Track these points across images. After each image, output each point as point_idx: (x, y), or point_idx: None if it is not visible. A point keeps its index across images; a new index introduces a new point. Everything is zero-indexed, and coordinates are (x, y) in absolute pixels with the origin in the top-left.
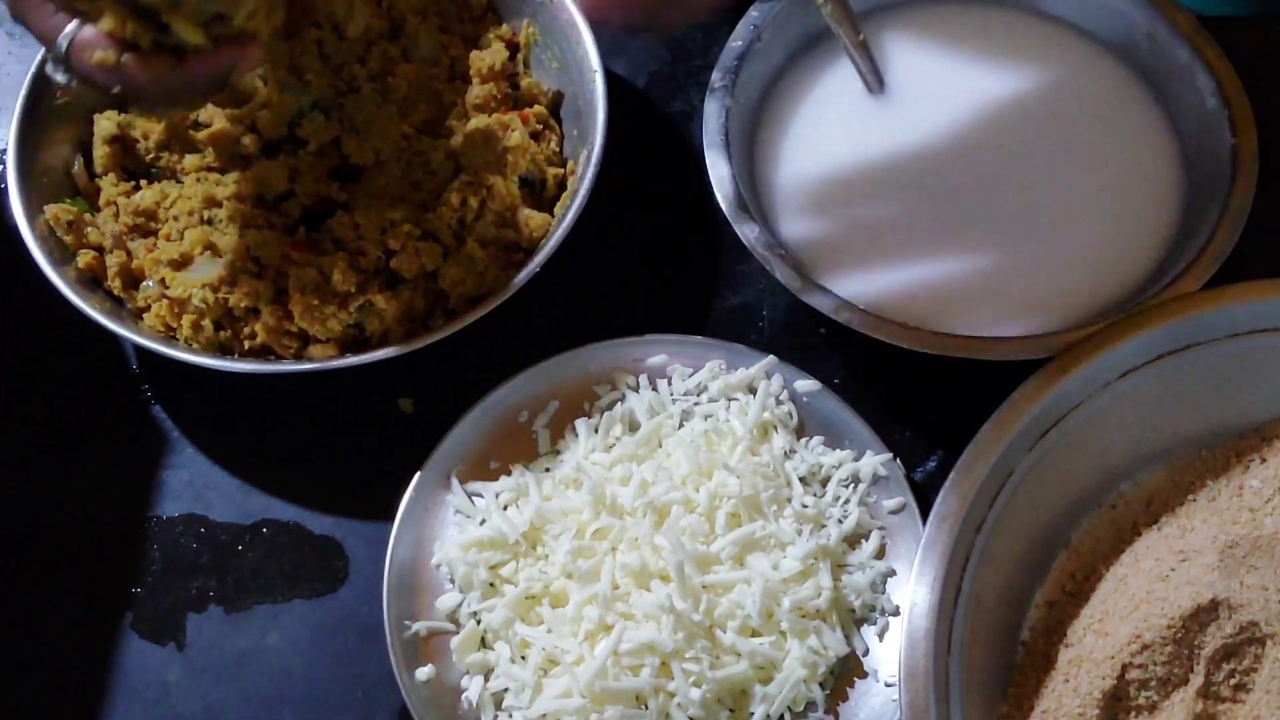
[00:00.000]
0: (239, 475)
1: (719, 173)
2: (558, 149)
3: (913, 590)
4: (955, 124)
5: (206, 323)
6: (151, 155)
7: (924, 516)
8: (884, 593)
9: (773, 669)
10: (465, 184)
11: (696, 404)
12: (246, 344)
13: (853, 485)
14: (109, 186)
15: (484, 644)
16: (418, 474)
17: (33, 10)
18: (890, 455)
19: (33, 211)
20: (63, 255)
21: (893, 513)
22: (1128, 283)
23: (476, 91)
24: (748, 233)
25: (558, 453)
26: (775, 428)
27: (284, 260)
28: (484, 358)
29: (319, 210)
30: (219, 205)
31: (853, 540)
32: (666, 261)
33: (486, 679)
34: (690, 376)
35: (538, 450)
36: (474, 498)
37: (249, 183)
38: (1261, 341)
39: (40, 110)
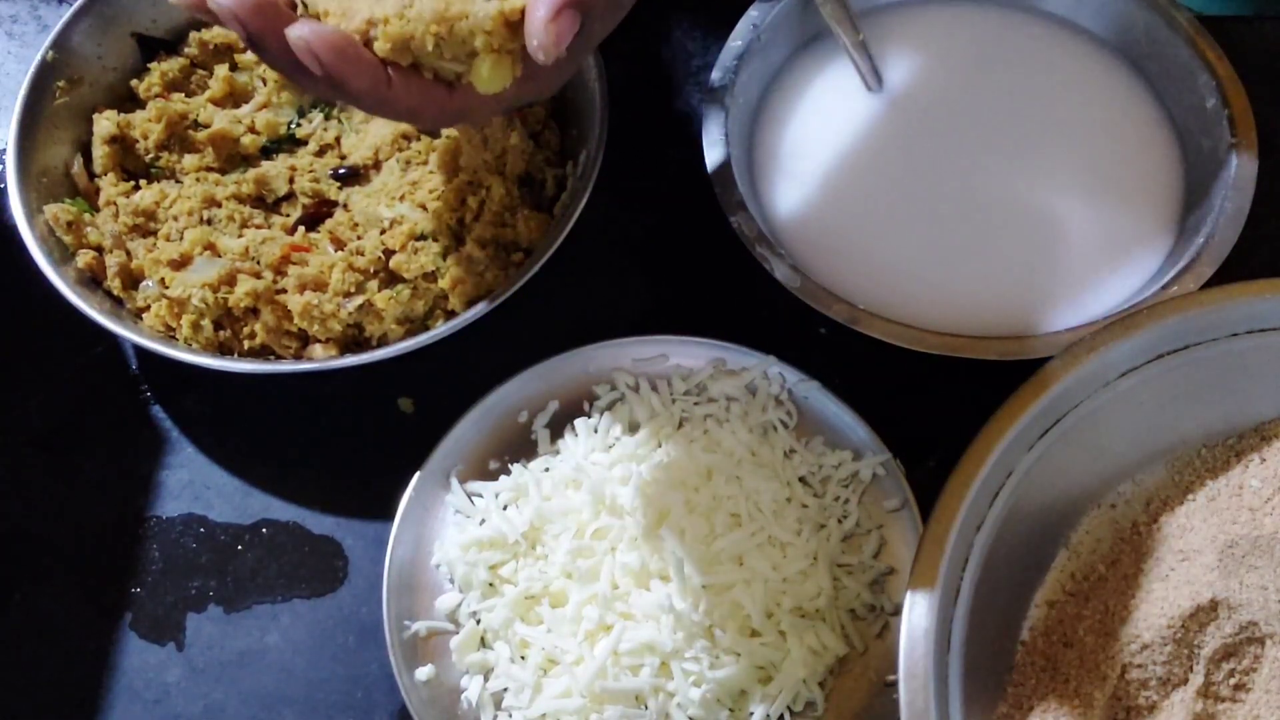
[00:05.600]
0: (239, 475)
1: (718, 172)
2: (557, 149)
3: (912, 590)
4: (955, 123)
5: (206, 323)
6: (151, 155)
7: (924, 516)
8: (884, 592)
9: (773, 669)
10: (465, 184)
11: (696, 404)
12: (246, 344)
13: (853, 485)
14: (109, 186)
15: (484, 644)
16: (417, 474)
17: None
18: (890, 455)
19: (33, 211)
20: (63, 255)
21: (892, 512)
22: (1128, 283)
23: None
24: (747, 232)
25: (557, 453)
26: (775, 428)
27: (284, 260)
28: (484, 358)
29: (319, 210)
30: (219, 205)
31: (853, 540)
32: (666, 261)
33: (486, 679)
34: (690, 377)
35: (538, 450)
36: (474, 498)
37: (249, 183)
38: (1261, 341)
39: (40, 110)
